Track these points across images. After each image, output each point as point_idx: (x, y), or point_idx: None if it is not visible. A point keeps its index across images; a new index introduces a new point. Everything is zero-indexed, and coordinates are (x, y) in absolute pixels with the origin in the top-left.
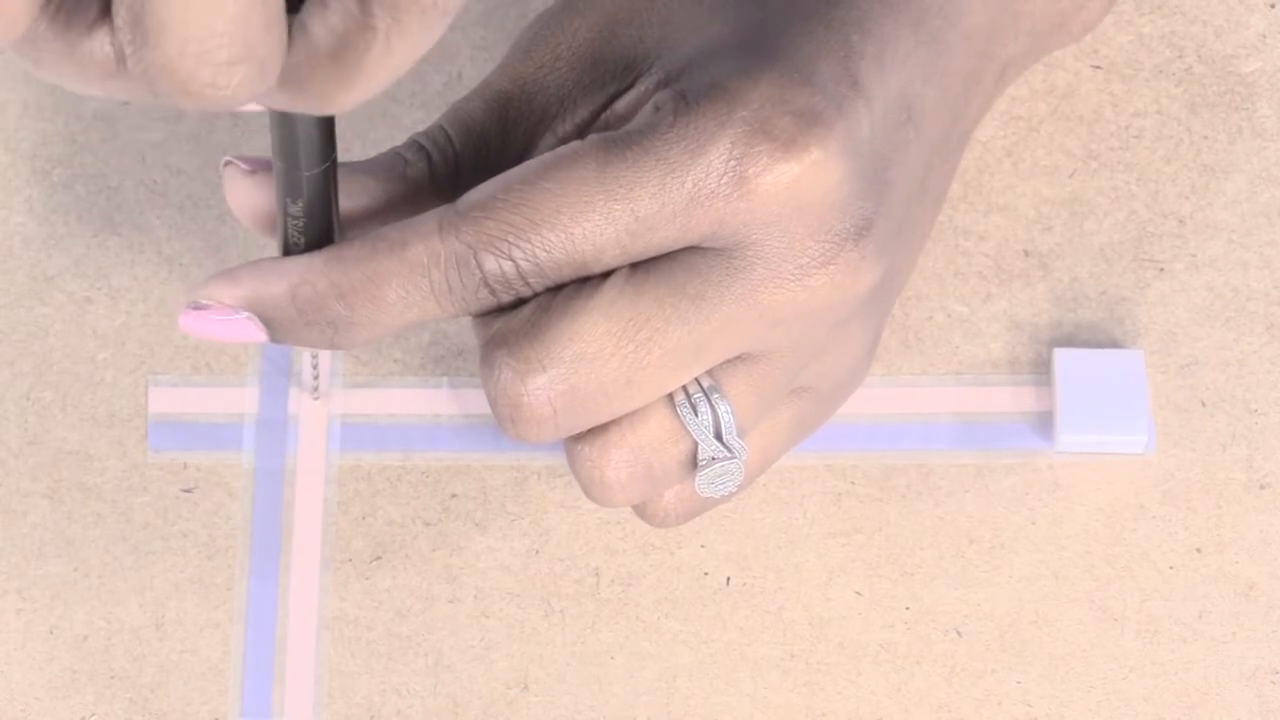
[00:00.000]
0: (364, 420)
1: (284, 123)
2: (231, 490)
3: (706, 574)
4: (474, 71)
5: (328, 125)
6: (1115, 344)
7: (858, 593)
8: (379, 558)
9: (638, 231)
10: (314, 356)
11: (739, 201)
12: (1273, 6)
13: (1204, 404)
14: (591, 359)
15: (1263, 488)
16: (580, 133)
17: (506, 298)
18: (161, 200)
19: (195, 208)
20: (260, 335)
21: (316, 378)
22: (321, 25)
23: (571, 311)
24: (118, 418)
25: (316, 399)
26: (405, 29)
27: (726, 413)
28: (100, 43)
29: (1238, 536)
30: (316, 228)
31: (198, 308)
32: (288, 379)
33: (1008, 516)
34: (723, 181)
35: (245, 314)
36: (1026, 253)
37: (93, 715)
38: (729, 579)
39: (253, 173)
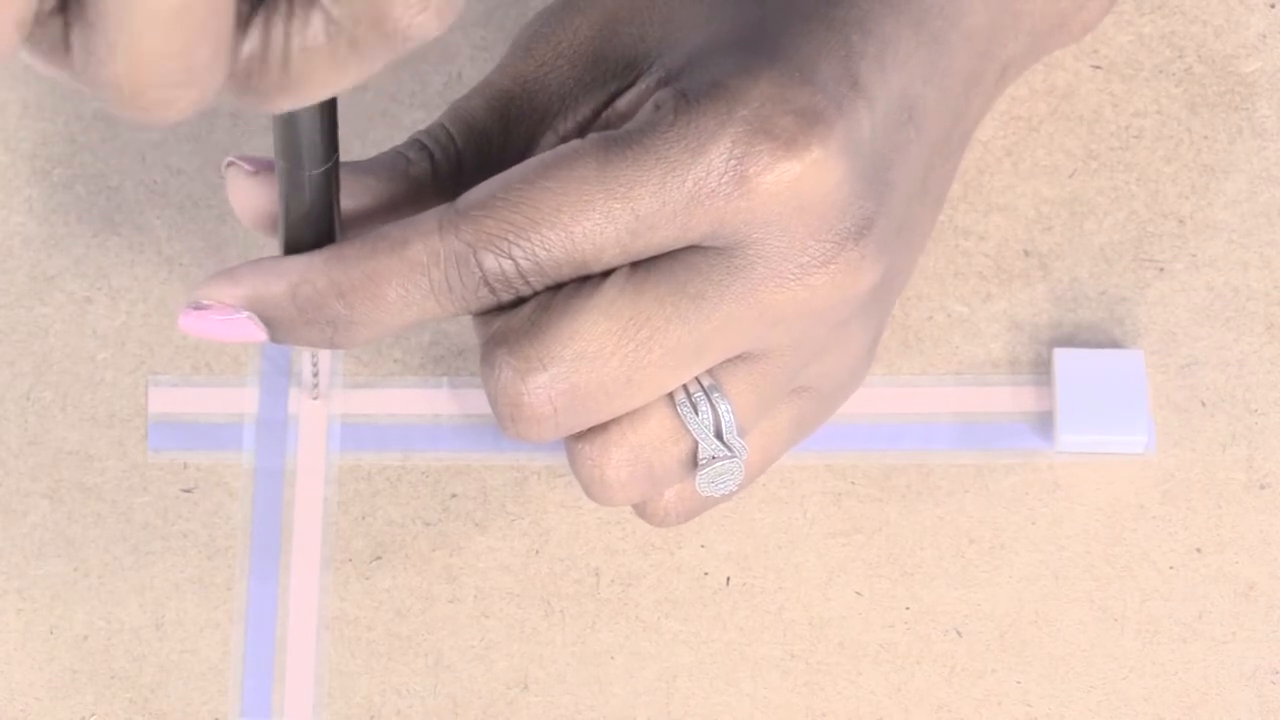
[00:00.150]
0: (364, 420)
1: (287, 123)
2: (231, 490)
3: (706, 574)
4: (474, 71)
5: (331, 125)
6: (1115, 344)
7: (858, 593)
8: (379, 558)
9: (638, 230)
10: (314, 356)
11: (740, 200)
12: (1273, 6)
13: (1204, 404)
14: (592, 358)
15: (1263, 488)
16: (581, 131)
17: (507, 296)
18: (161, 200)
19: (195, 208)
20: (260, 335)
21: (316, 378)
22: (279, 34)
23: (572, 310)
24: (118, 418)
25: (316, 399)
26: (361, 50)
27: (727, 412)
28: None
29: (1238, 536)
30: (318, 227)
31: (198, 307)
32: (288, 379)
33: (1008, 516)
34: (723, 180)
35: (245, 313)
36: (1026, 253)
37: (93, 715)
38: (729, 579)
39: (256, 173)
